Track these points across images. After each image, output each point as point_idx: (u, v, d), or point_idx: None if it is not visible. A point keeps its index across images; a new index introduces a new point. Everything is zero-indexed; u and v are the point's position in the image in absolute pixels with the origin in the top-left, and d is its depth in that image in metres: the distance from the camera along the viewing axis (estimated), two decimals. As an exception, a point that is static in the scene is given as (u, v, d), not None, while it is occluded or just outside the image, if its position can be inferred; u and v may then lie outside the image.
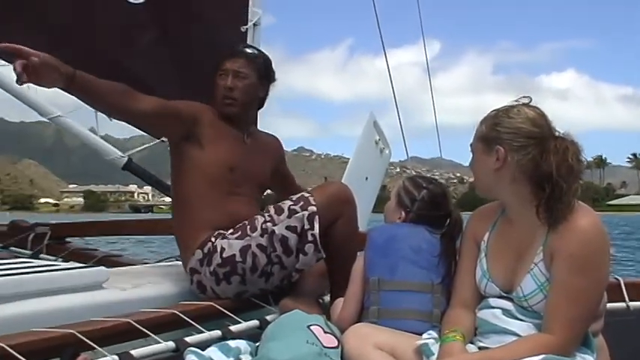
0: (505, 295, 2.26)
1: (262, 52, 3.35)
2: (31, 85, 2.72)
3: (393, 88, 5.42)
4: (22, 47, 2.54)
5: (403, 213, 2.71)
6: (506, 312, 2.24)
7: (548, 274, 2.15)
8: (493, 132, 2.23)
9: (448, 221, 2.65)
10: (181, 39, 4.25)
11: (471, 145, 2.33)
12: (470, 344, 2.27)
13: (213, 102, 3.18)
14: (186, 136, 3.08)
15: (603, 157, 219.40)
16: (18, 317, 2.30)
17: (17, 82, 2.58)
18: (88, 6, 3.97)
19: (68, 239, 4.91)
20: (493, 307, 2.27)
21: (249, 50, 3.29)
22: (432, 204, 2.70)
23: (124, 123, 3.20)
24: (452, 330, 2.26)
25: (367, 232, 2.73)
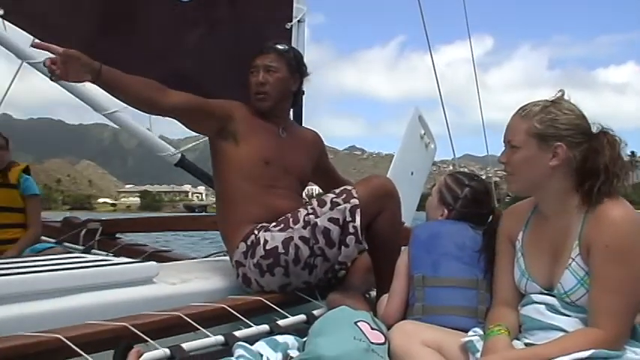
0: (547, 292, 2.25)
1: (292, 47, 3.40)
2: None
3: (438, 85, 5.38)
4: (50, 45, 2.71)
5: (446, 210, 2.71)
6: (550, 307, 2.22)
7: (586, 268, 2.13)
8: (551, 128, 2.18)
9: (490, 218, 2.65)
10: (227, 36, 4.29)
11: (510, 140, 2.25)
12: (516, 341, 2.26)
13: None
14: (221, 133, 3.14)
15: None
16: (73, 310, 2.38)
17: (51, 78, 2.77)
18: (140, 5, 4.05)
19: (118, 235, 5.02)
20: (537, 303, 2.25)
21: (279, 46, 3.33)
22: (474, 202, 2.69)
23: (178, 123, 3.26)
24: (496, 325, 2.25)
25: (411, 229, 2.74)
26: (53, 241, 4.61)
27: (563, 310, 2.19)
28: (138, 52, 3.90)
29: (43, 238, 4.54)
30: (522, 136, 2.22)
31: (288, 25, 4.29)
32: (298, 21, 4.31)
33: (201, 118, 3.15)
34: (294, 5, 4.31)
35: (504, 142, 2.28)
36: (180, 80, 3.35)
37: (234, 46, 4.24)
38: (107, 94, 3.03)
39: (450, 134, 5.47)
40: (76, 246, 4.67)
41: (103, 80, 2.85)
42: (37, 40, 2.71)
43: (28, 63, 3.98)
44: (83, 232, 4.82)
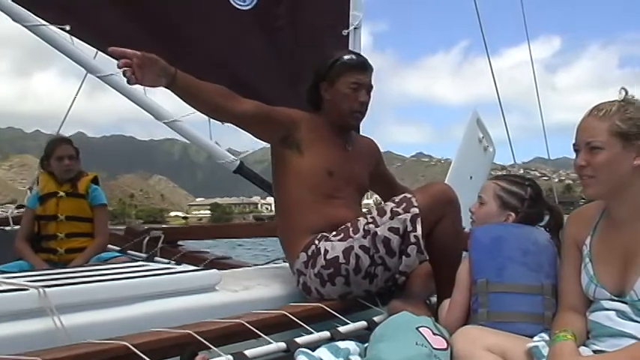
0: (617, 298, 2.19)
1: None
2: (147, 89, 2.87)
3: (497, 89, 5.32)
4: (126, 49, 2.69)
5: (512, 214, 2.69)
6: (620, 314, 2.16)
7: None
8: (634, 127, 2.13)
9: (548, 217, 2.64)
10: (285, 43, 4.36)
11: (590, 142, 2.16)
12: (583, 347, 2.20)
13: (328, 108, 3.20)
14: (285, 141, 3.13)
15: None
16: (138, 318, 2.43)
17: (128, 82, 2.74)
18: (200, 13, 4.15)
19: (180, 242, 5.10)
20: (607, 310, 2.20)
21: (369, 62, 3.29)
22: (538, 200, 2.69)
23: (242, 134, 3.28)
24: (562, 330, 2.20)
25: (471, 232, 2.71)
26: (117, 249, 4.71)
27: (634, 317, 2.13)
28: (198, 59, 3.99)
29: (109, 246, 4.65)
30: (605, 136, 2.14)
31: (344, 32, 4.32)
32: (354, 28, 4.33)
33: (268, 126, 3.14)
34: (351, 12, 4.33)
35: (578, 144, 2.20)
36: (239, 87, 3.40)
37: (292, 53, 4.29)
38: (180, 100, 3.00)
39: (509, 138, 5.41)
40: (140, 254, 4.76)
41: (178, 85, 2.83)
42: (112, 47, 2.72)
43: (97, 76, 4.09)
44: (146, 239, 4.92)
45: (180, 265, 4.07)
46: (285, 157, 3.14)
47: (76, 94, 5.45)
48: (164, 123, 4.37)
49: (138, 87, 4.10)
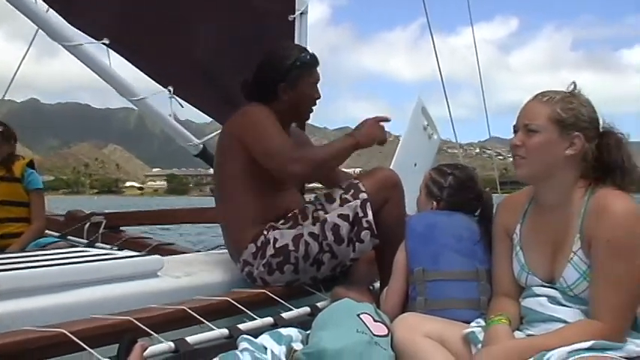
0: (547, 284, 2.25)
1: None
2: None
3: (440, 72, 5.38)
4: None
5: (434, 202, 2.75)
6: (551, 299, 2.22)
7: (588, 261, 2.14)
8: (572, 118, 2.19)
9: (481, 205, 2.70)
10: (232, 27, 4.34)
11: (528, 124, 2.21)
12: (517, 332, 2.27)
13: (285, 106, 3.15)
14: None
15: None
16: (77, 305, 2.39)
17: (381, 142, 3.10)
18: None
19: (122, 228, 5.02)
20: (538, 296, 2.26)
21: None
22: (460, 188, 2.74)
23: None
24: (497, 314, 2.26)
25: (406, 221, 2.75)
26: (57, 234, 4.61)
27: (564, 302, 2.20)
28: (157, 46, 4.08)
29: (47, 232, 4.55)
30: (543, 121, 2.20)
31: (290, 17, 4.30)
32: (301, 13, 4.32)
33: None
34: (298, -2, 4.33)
35: (517, 125, 2.26)
36: (194, 66, 3.37)
37: (240, 36, 4.29)
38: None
39: (451, 117, 5.51)
40: (80, 239, 4.68)
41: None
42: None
43: (65, 45, 4.03)
44: (87, 225, 4.82)
45: (122, 250, 4.02)
46: (242, 146, 3.05)
47: (23, 58, 5.32)
48: (130, 100, 4.32)
49: (104, 60, 4.15)
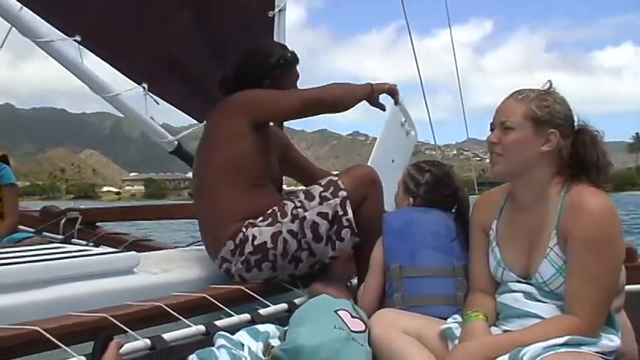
0: (523, 280, 2.27)
1: None
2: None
3: (419, 74, 5.40)
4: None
5: (411, 199, 2.77)
6: (527, 295, 2.25)
7: (564, 257, 2.16)
8: (547, 115, 2.22)
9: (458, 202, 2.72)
10: (211, 23, 4.32)
11: (504, 121, 2.25)
12: (493, 327, 2.29)
13: None
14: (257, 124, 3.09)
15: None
16: (52, 302, 2.36)
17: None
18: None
19: (98, 224, 4.98)
20: (514, 292, 2.28)
21: None
22: (436, 185, 2.75)
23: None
24: (474, 310, 2.29)
25: (383, 217, 2.76)
26: (32, 230, 4.56)
27: (540, 298, 2.22)
28: (128, 35, 3.97)
29: (22, 227, 4.50)
30: (518, 118, 2.23)
31: (270, 14, 4.29)
32: (280, 10, 4.31)
33: None
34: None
35: (494, 123, 2.29)
36: (169, 63, 3.34)
37: (217, 32, 4.27)
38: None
39: (430, 119, 5.52)
40: (56, 235, 4.64)
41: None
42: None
43: (37, 42, 3.96)
44: (63, 221, 4.78)
45: (98, 247, 3.98)
46: (241, 140, 3.04)
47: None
48: (104, 97, 4.26)
49: (77, 57, 4.09)
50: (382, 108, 3.37)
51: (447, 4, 6.05)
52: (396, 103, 3.44)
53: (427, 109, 5.46)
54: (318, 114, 3.28)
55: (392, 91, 3.36)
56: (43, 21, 4.01)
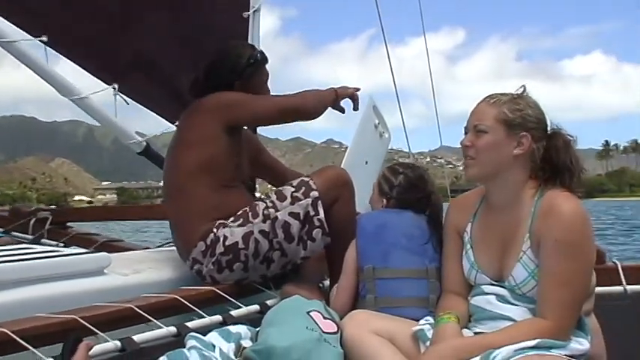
0: (496, 283, 2.29)
1: None
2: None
3: (394, 81, 5.42)
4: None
5: (385, 200, 2.78)
6: (500, 298, 2.27)
7: (537, 261, 2.18)
8: (519, 118, 2.24)
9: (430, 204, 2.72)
10: (186, 21, 4.30)
11: (477, 125, 2.27)
12: (465, 330, 2.30)
13: None
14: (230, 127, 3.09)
15: (639, 142, 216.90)
16: (20, 303, 2.32)
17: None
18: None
19: (69, 224, 4.93)
20: (487, 294, 2.30)
21: None
22: (409, 187, 2.76)
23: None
24: (446, 312, 2.30)
25: (357, 219, 2.77)
26: (1, 230, 4.50)
27: (512, 301, 2.24)
28: (103, 35, 3.94)
29: (-10, 228, 4.44)
30: (491, 122, 2.25)
31: (245, 14, 4.28)
32: (254, 10, 4.31)
33: None
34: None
35: (468, 127, 2.31)
36: (143, 62, 3.31)
37: (192, 32, 4.25)
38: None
39: (404, 126, 5.54)
40: (25, 235, 4.57)
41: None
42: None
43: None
44: (32, 221, 4.71)
45: (68, 247, 3.94)
46: (213, 141, 3.03)
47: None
48: (71, 100, 4.19)
49: (42, 58, 4.02)
50: (342, 111, 3.34)
51: (421, 12, 6.07)
52: (355, 108, 3.41)
53: (402, 117, 5.48)
54: (292, 121, 3.29)
55: (353, 97, 3.35)
56: (5, 21, 3.91)
